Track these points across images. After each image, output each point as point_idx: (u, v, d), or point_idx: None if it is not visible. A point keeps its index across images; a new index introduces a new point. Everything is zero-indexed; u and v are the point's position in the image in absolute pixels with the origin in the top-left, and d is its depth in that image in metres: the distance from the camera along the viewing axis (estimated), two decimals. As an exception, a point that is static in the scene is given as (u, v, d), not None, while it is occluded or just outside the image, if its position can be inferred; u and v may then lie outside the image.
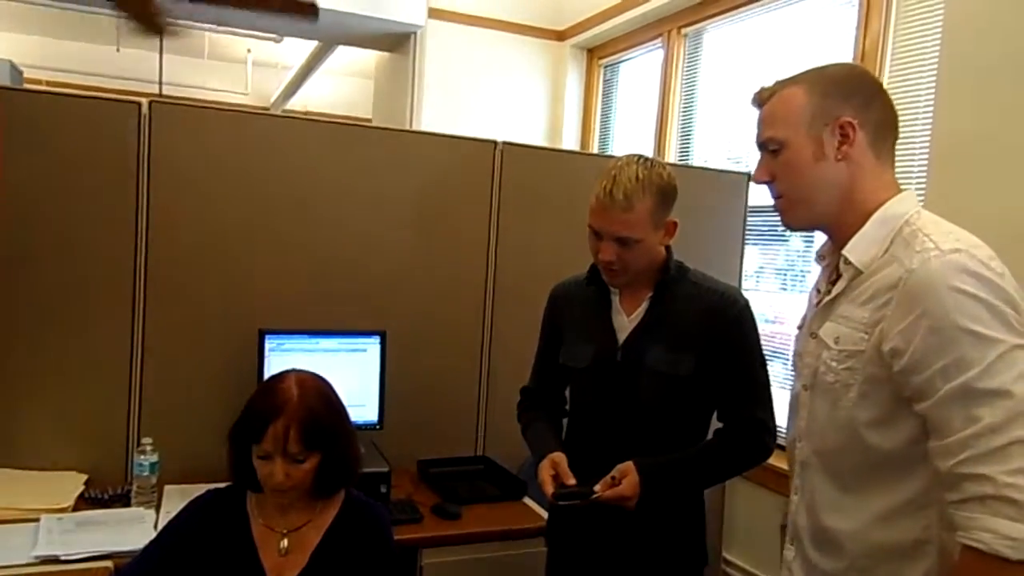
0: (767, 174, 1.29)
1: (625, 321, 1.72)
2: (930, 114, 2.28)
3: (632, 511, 1.61)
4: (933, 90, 2.27)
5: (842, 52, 2.93)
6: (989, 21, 1.98)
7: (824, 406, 1.24)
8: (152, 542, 1.58)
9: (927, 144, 2.28)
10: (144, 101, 2.30)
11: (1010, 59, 1.90)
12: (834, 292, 1.24)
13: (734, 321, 1.68)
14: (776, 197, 1.30)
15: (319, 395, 1.53)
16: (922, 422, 1.12)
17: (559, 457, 1.69)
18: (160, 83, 5.62)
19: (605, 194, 1.59)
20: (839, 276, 1.25)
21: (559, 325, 1.87)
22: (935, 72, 2.27)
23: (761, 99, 1.30)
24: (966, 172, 1.99)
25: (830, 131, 1.21)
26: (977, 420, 1.03)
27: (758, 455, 1.70)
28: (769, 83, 1.31)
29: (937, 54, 2.28)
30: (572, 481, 1.64)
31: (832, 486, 1.25)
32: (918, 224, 1.16)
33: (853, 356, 1.17)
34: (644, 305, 1.71)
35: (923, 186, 2.25)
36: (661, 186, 1.61)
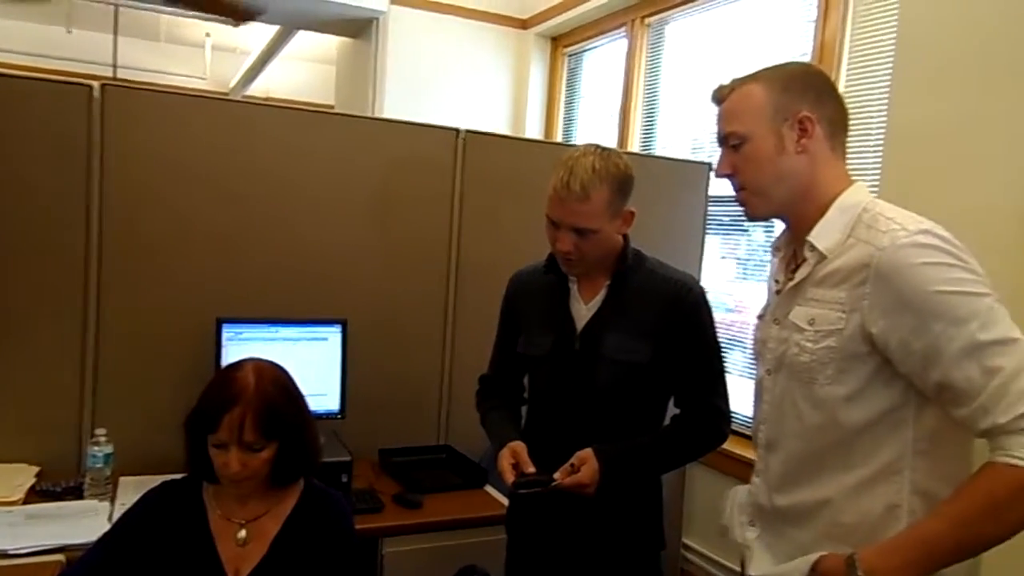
0: (729, 167, 1.32)
1: (583, 309, 1.73)
2: (886, 107, 2.32)
3: (591, 497, 1.62)
4: (889, 83, 2.31)
5: (801, 45, 2.96)
6: (943, 16, 2.02)
7: (796, 387, 1.27)
8: (105, 534, 1.55)
9: (883, 136, 2.32)
10: (96, 84, 2.24)
11: (963, 54, 1.94)
12: (798, 278, 1.28)
13: (691, 308, 1.70)
14: (738, 190, 1.34)
15: (276, 384, 1.51)
16: (897, 392, 1.18)
17: (519, 446, 1.69)
18: (114, 66, 5.50)
19: (562, 185, 1.59)
20: (799, 264, 1.29)
21: (517, 314, 1.87)
22: (891, 65, 2.30)
23: (721, 96, 1.34)
24: (918, 164, 2.03)
25: (789, 125, 1.26)
26: (997, 370, 1.08)
27: (714, 440, 1.73)
28: (727, 80, 1.35)
29: (894, 48, 2.32)
30: (532, 469, 1.64)
31: (801, 464, 1.28)
32: (876, 210, 1.22)
33: (831, 335, 1.21)
34: (602, 293, 1.72)
35: (877, 178, 2.29)
36: (618, 176, 1.62)
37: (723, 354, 1.78)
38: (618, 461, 1.64)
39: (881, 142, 2.33)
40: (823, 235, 1.25)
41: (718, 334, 1.76)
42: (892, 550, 1.14)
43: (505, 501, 2.13)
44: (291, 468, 1.54)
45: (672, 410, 1.79)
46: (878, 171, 2.31)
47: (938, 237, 1.15)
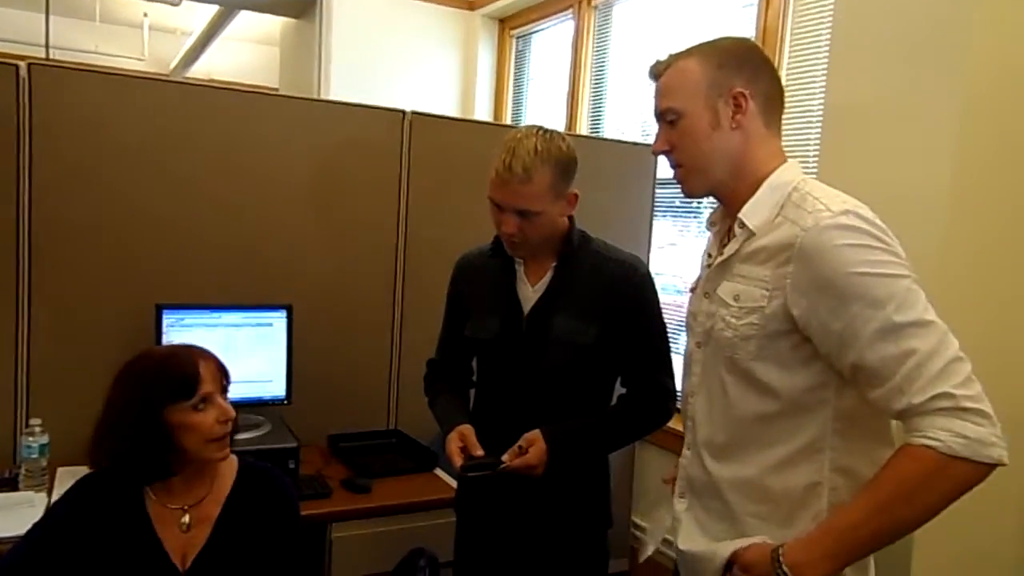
0: (666, 144, 1.32)
1: (530, 291, 1.73)
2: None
3: (540, 478, 1.63)
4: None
5: (744, 26, 3.00)
6: (877, 2, 2.06)
7: (722, 360, 1.29)
8: (35, 525, 1.50)
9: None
10: (23, 64, 2.15)
11: (899, 35, 1.98)
12: (727, 253, 1.29)
13: (636, 288, 1.71)
14: (675, 167, 1.34)
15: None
16: (817, 371, 1.19)
17: (467, 429, 1.69)
18: (47, 46, 5.29)
19: (504, 168, 1.59)
20: (730, 239, 1.30)
21: (464, 297, 1.86)
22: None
23: (657, 71, 1.34)
24: (853, 144, 2.08)
25: (724, 101, 1.26)
26: (912, 352, 1.09)
27: (660, 419, 1.75)
28: (663, 56, 1.35)
29: (832, 29, 2.36)
30: (480, 452, 1.65)
31: (727, 438, 1.30)
32: (806, 189, 1.23)
33: (754, 312, 1.22)
34: (548, 275, 1.72)
35: (814, 157, 2.34)
36: (560, 158, 1.62)
37: (668, 334, 1.80)
38: (565, 442, 1.65)
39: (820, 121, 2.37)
40: (753, 212, 1.26)
41: (663, 314, 1.78)
42: (813, 542, 1.15)
43: (454, 484, 2.13)
44: None
45: (620, 390, 1.81)
46: (818, 149, 2.35)
47: (860, 218, 1.16)
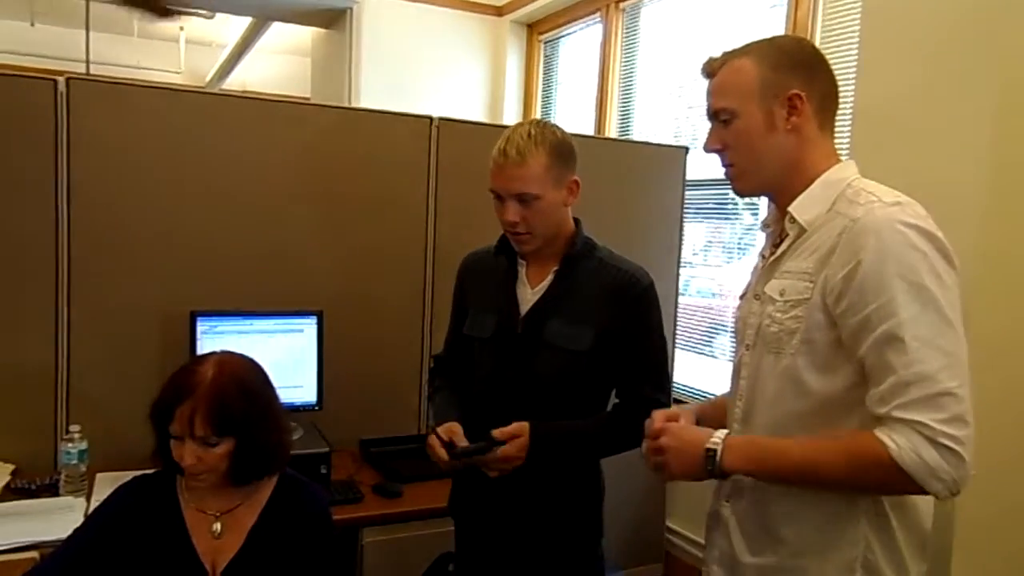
0: (718, 142, 1.32)
1: (529, 293, 1.72)
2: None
3: (527, 479, 1.64)
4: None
5: (774, 26, 2.97)
6: (907, 1, 2.03)
7: (767, 358, 1.27)
8: (77, 529, 1.53)
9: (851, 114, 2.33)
10: (61, 79, 2.21)
11: (929, 33, 1.95)
12: (779, 251, 1.29)
13: (636, 300, 1.69)
14: (727, 165, 1.33)
15: (235, 379, 1.48)
16: (855, 370, 1.17)
17: (454, 426, 1.69)
18: (87, 62, 5.42)
19: (499, 153, 1.61)
20: (783, 238, 1.29)
21: (466, 294, 1.87)
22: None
23: (711, 69, 1.33)
24: (884, 140, 2.05)
25: (780, 103, 1.25)
26: (908, 366, 1.08)
27: None
28: (717, 53, 1.33)
29: (862, 26, 2.32)
30: (464, 444, 1.65)
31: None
32: (860, 185, 1.22)
33: (798, 305, 1.21)
34: (549, 279, 1.71)
35: (847, 156, 2.30)
36: (554, 143, 1.63)
37: (666, 347, 1.77)
38: (550, 440, 1.64)
39: (850, 120, 2.34)
40: (804, 207, 1.25)
41: (663, 328, 1.75)
42: (753, 445, 1.24)
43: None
44: (251, 466, 1.51)
45: (615, 401, 1.79)
46: (846, 149, 2.32)
47: (913, 212, 1.14)
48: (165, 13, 2.79)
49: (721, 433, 1.24)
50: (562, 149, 1.64)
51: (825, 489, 1.19)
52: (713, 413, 1.45)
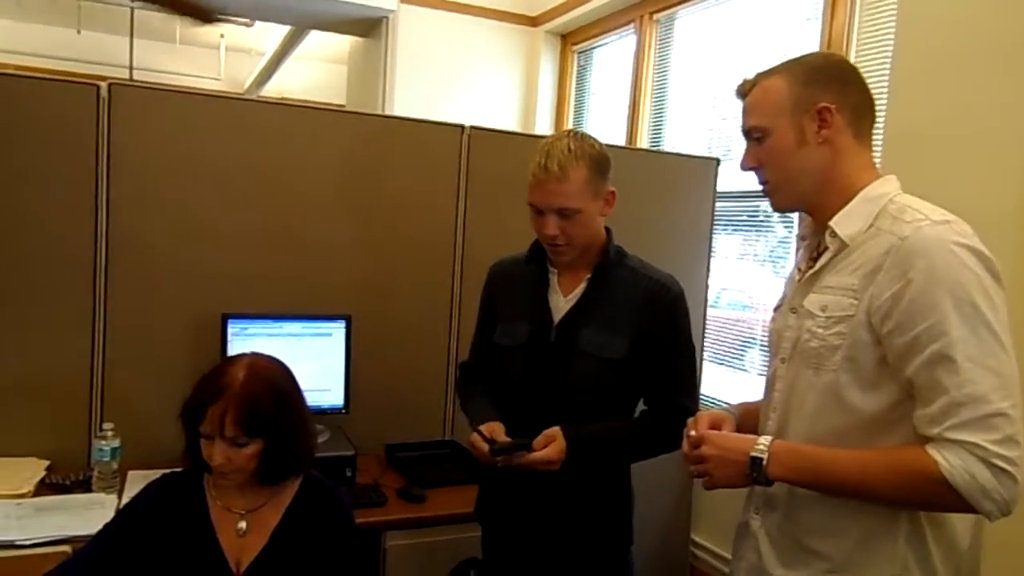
0: (754, 160, 1.34)
1: (561, 301, 1.73)
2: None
3: (556, 484, 1.64)
4: (894, 76, 2.29)
5: (809, 39, 2.94)
6: (941, 11, 2.01)
7: (805, 372, 1.27)
8: (107, 525, 1.57)
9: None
10: (103, 84, 2.27)
11: (961, 49, 1.93)
12: (818, 265, 1.29)
13: (667, 308, 1.70)
14: (763, 182, 1.35)
15: (266, 381, 1.51)
16: (899, 388, 1.17)
17: (496, 425, 1.70)
18: (131, 68, 5.56)
19: (540, 168, 1.62)
20: (821, 252, 1.30)
21: (496, 302, 1.88)
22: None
23: (744, 90, 1.36)
24: (917, 158, 2.03)
25: (810, 117, 1.27)
26: (960, 387, 1.08)
27: (679, 441, 1.69)
28: (750, 75, 1.36)
29: (897, 41, 2.30)
30: (505, 439, 1.65)
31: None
32: (905, 201, 1.22)
33: (842, 321, 1.21)
34: (581, 287, 1.72)
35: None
36: (593, 155, 1.64)
37: (695, 355, 1.78)
38: (584, 442, 1.65)
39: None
40: (845, 222, 1.25)
41: (692, 336, 1.76)
42: (799, 454, 1.23)
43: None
44: (279, 466, 1.54)
45: (642, 408, 1.79)
46: (880, 166, 2.30)
47: (962, 231, 1.15)
48: (208, 19, 2.86)
49: (765, 440, 1.24)
50: (600, 162, 1.65)
51: (869, 501, 1.19)
52: (748, 419, 1.44)
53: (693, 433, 1.34)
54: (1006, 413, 1.07)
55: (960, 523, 1.22)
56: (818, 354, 1.24)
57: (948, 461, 1.08)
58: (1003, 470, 1.06)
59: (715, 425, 1.36)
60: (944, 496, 1.09)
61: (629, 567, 1.81)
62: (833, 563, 1.24)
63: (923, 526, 1.20)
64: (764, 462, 1.22)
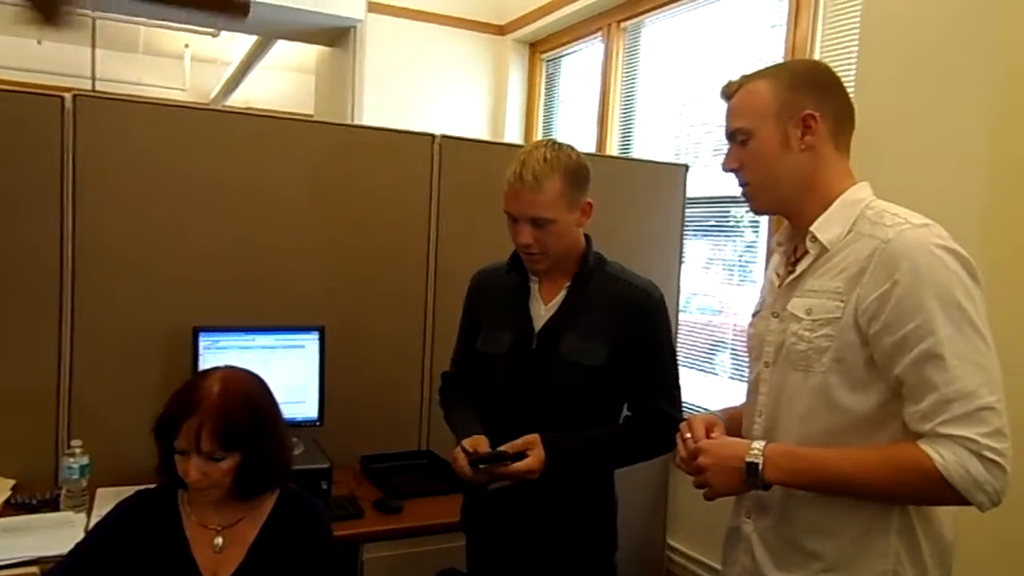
0: (736, 162, 1.36)
1: (542, 309, 1.74)
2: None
3: (544, 499, 1.65)
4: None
5: (774, 46, 2.99)
6: (904, 14, 2.05)
7: (793, 375, 1.29)
8: (79, 544, 1.54)
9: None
10: (68, 95, 2.23)
11: (923, 55, 1.97)
12: (799, 270, 1.31)
13: (647, 314, 1.71)
14: (743, 184, 1.37)
15: (241, 394, 1.49)
16: (892, 385, 1.19)
17: (480, 439, 1.69)
18: (93, 78, 5.47)
19: (515, 177, 1.62)
20: (799, 257, 1.32)
21: (478, 311, 1.88)
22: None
23: (729, 92, 1.37)
24: (883, 159, 2.06)
25: (794, 123, 1.29)
26: (950, 384, 1.11)
27: (662, 447, 1.72)
28: (736, 77, 1.38)
29: (861, 46, 2.35)
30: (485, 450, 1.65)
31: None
32: (882, 207, 1.26)
33: (829, 324, 1.23)
34: (561, 295, 1.73)
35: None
36: (570, 166, 1.64)
37: (676, 361, 1.79)
38: (563, 450, 1.65)
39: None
40: (826, 227, 1.28)
41: (673, 342, 1.77)
42: (794, 456, 1.23)
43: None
44: (256, 480, 1.52)
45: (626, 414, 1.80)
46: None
47: (941, 235, 1.18)
48: (245, 12, 2.63)
49: (759, 444, 1.25)
50: (577, 173, 1.66)
51: (864, 499, 1.21)
52: (732, 424, 1.45)
53: (688, 436, 1.35)
54: (993, 407, 1.11)
55: (944, 516, 1.25)
56: (806, 357, 1.26)
57: (942, 456, 1.10)
58: (994, 462, 1.09)
59: (708, 429, 1.36)
60: (939, 490, 1.12)
61: (614, 573, 1.81)
62: (828, 562, 1.26)
63: (913, 520, 1.23)
64: (760, 467, 1.23)
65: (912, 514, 1.23)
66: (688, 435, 1.36)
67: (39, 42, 6.16)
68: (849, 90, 2.46)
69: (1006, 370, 1.15)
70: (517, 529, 1.73)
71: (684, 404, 1.79)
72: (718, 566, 2.23)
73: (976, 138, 1.86)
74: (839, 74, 1.35)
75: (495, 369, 1.79)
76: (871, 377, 1.21)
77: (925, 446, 1.12)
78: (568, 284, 1.72)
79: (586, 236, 1.76)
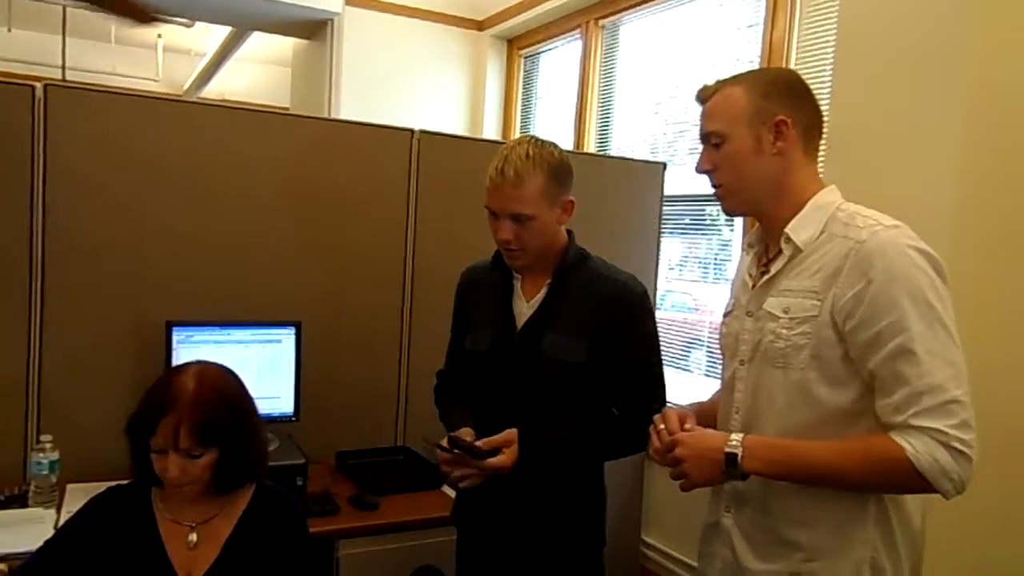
0: (709, 164, 1.39)
1: (524, 307, 1.74)
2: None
3: (533, 494, 1.66)
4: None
5: (750, 46, 3.02)
6: (881, 18, 2.08)
7: (772, 372, 1.32)
8: (48, 541, 1.51)
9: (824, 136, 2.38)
10: (38, 85, 2.19)
11: (899, 57, 2.00)
12: (773, 270, 1.35)
13: (629, 309, 1.70)
14: (716, 186, 1.40)
15: (217, 390, 1.48)
16: (866, 380, 1.24)
17: (466, 431, 1.70)
18: (63, 68, 5.38)
19: (497, 173, 1.62)
20: (772, 258, 1.36)
21: (466, 309, 1.88)
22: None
23: (704, 96, 1.40)
24: (857, 162, 2.09)
25: (767, 128, 1.32)
26: (921, 378, 1.16)
27: (643, 443, 1.69)
28: (711, 81, 1.41)
29: (837, 48, 2.37)
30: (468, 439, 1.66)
31: None
32: (852, 209, 1.30)
33: (806, 322, 1.27)
34: (543, 291, 1.73)
35: (821, 176, 2.34)
36: (552, 163, 1.64)
37: (660, 356, 1.78)
38: (539, 447, 1.65)
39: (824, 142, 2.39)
40: (799, 229, 1.31)
41: (658, 337, 1.76)
42: (772, 447, 1.27)
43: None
44: (234, 475, 1.51)
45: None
46: (823, 168, 2.36)
47: (911, 236, 1.22)
48: (146, 20, 2.76)
49: (737, 436, 1.29)
50: (559, 170, 1.66)
51: (840, 489, 1.25)
52: (703, 419, 1.46)
53: (663, 427, 1.37)
54: (960, 400, 1.16)
55: (913, 503, 1.30)
56: (784, 354, 1.30)
57: (913, 447, 1.15)
58: (961, 452, 1.14)
59: (682, 421, 1.38)
60: (910, 479, 1.16)
61: (601, 569, 1.82)
62: (809, 552, 1.29)
63: (887, 508, 1.27)
64: (739, 457, 1.26)
65: (887, 502, 1.27)
66: (662, 427, 1.37)
67: (9, 30, 6.04)
68: (825, 91, 2.52)
69: (972, 366, 1.19)
70: (508, 523, 1.74)
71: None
72: (692, 562, 2.25)
73: (948, 140, 1.89)
74: (816, 74, 1.38)
75: (480, 367, 1.79)
76: (848, 373, 1.25)
77: (897, 437, 1.17)
78: (549, 281, 1.73)
79: (568, 232, 1.76)
